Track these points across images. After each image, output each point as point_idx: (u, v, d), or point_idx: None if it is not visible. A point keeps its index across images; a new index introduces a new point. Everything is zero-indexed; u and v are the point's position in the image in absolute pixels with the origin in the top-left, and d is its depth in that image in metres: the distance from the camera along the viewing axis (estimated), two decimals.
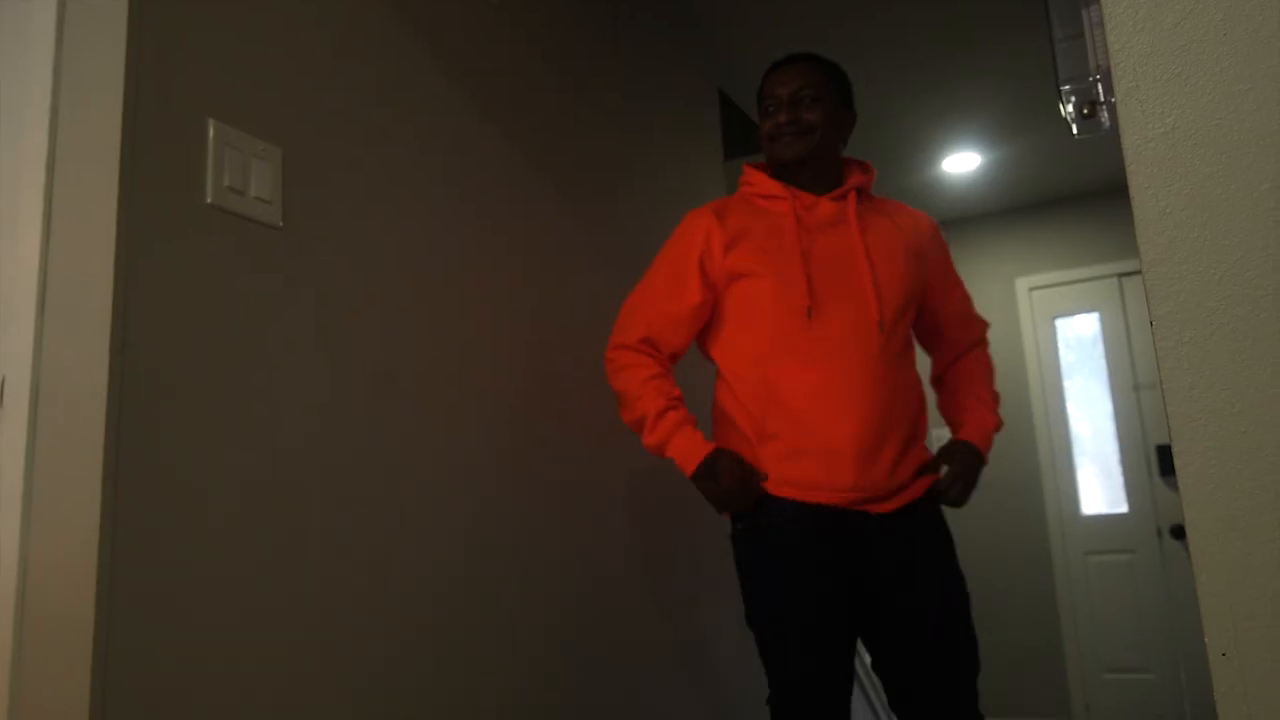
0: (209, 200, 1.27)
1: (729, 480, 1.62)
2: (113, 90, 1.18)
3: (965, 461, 1.71)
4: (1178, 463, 0.65)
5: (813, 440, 1.63)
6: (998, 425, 1.79)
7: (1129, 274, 4.45)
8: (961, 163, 4.13)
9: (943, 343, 1.89)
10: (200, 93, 1.28)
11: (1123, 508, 4.33)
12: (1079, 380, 4.54)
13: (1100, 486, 4.43)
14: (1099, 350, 4.47)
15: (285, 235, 1.39)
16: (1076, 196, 4.58)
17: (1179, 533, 4.14)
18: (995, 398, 1.84)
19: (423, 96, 1.72)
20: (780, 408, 1.66)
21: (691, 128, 2.92)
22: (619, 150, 2.43)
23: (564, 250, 2.11)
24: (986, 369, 1.89)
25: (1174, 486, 3.99)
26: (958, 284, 1.90)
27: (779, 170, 1.79)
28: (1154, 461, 4.24)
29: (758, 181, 1.79)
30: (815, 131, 1.73)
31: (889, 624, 1.63)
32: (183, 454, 1.19)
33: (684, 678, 2.30)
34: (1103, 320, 4.47)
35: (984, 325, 1.92)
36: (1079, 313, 4.55)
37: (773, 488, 1.65)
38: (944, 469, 1.72)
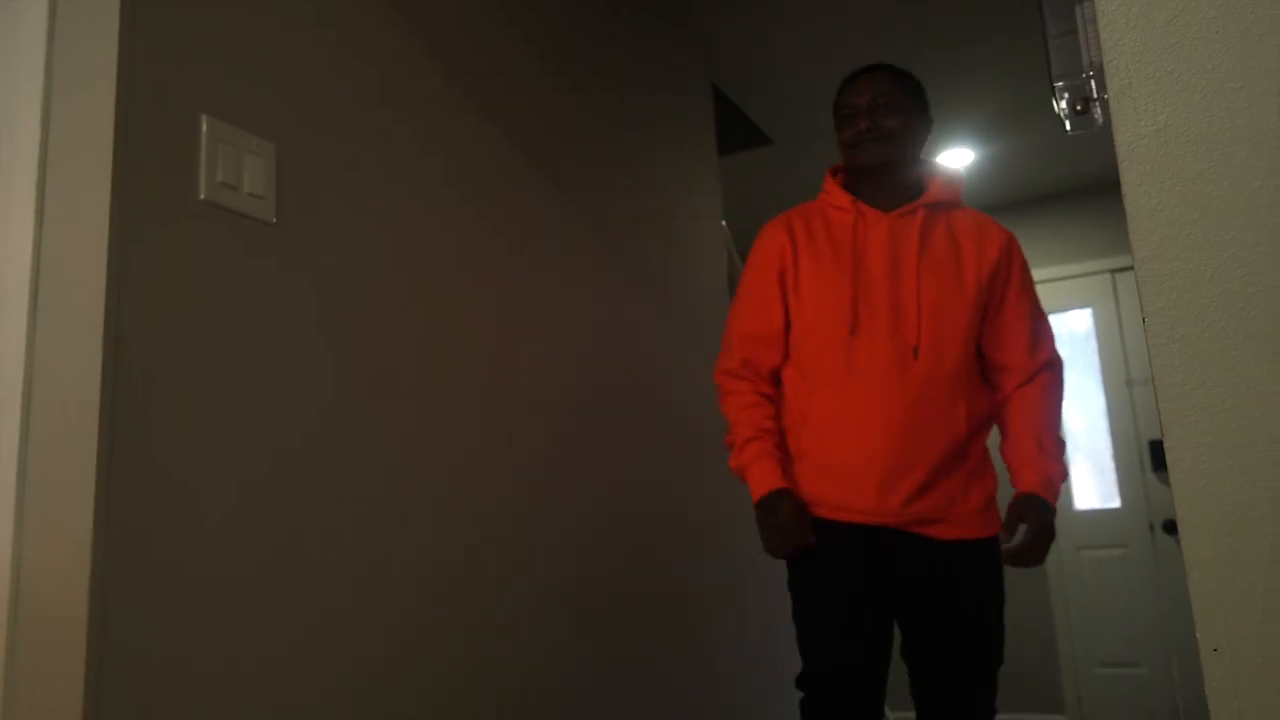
0: (202, 196, 1.27)
1: (782, 518, 1.63)
2: (105, 85, 1.17)
3: (1042, 521, 1.63)
4: (1170, 459, 0.65)
5: (834, 461, 1.66)
6: (1064, 475, 1.68)
7: (1122, 270, 4.46)
8: (955, 158, 4.13)
9: (1000, 372, 1.76)
10: (193, 88, 1.28)
11: (1115, 503, 4.35)
12: (1072, 375, 4.54)
13: (1093, 481, 4.44)
14: (1092, 346, 4.48)
15: (279, 231, 1.39)
16: (1070, 192, 4.59)
17: (1171, 527, 4.15)
18: (1060, 445, 1.71)
19: (419, 95, 1.71)
20: (811, 426, 1.69)
21: (687, 124, 2.92)
22: (616, 149, 2.43)
23: (563, 248, 2.11)
24: (1049, 404, 1.73)
25: (1166, 482, 4.00)
26: (1025, 308, 1.75)
27: (857, 180, 1.78)
28: (1146, 456, 4.25)
29: (831, 190, 1.79)
30: (895, 137, 1.72)
31: (920, 626, 1.68)
32: (177, 451, 1.19)
33: (683, 677, 2.31)
34: (1096, 316, 4.49)
35: (1051, 353, 1.76)
36: (1073, 308, 4.56)
37: (810, 507, 1.67)
38: (1020, 529, 1.65)
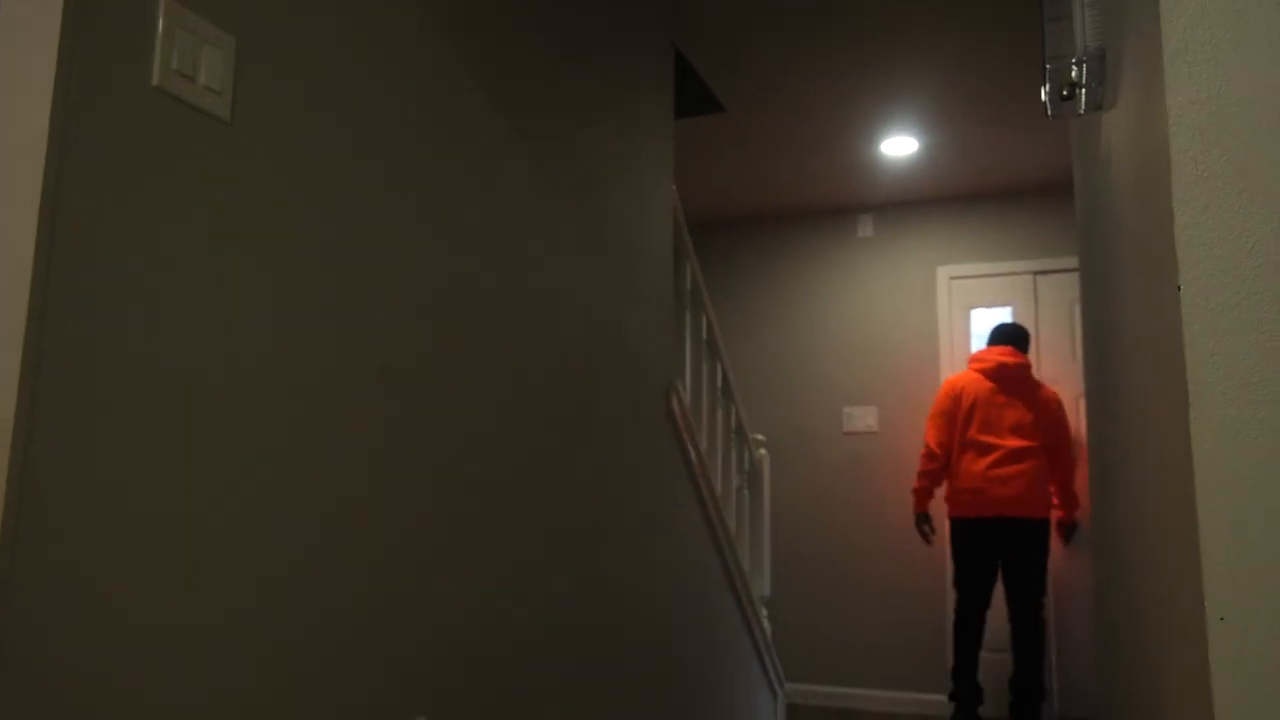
0: (155, 82, 1.17)
1: None
2: None
3: None
4: (1194, 429, 0.65)
5: None
6: None
7: (1045, 272, 4.59)
8: (899, 146, 4.18)
9: None
10: None
11: None
12: None
13: None
14: None
15: (233, 130, 1.30)
16: (1005, 193, 4.70)
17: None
18: None
19: (388, 15, 1.62)
20: None
21: (648, 83, 2.87)
22: (577, 100, 2.36)
23: (515, 187, 2.04)
24: None
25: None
26: None
27: None
28: None
29: None
30: None
31: None
32: (108, 356, 1.10)
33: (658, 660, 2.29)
34: (1015, 315, 4.62)
35: None
36: (994, 305, 4.68)
37: None
38: None
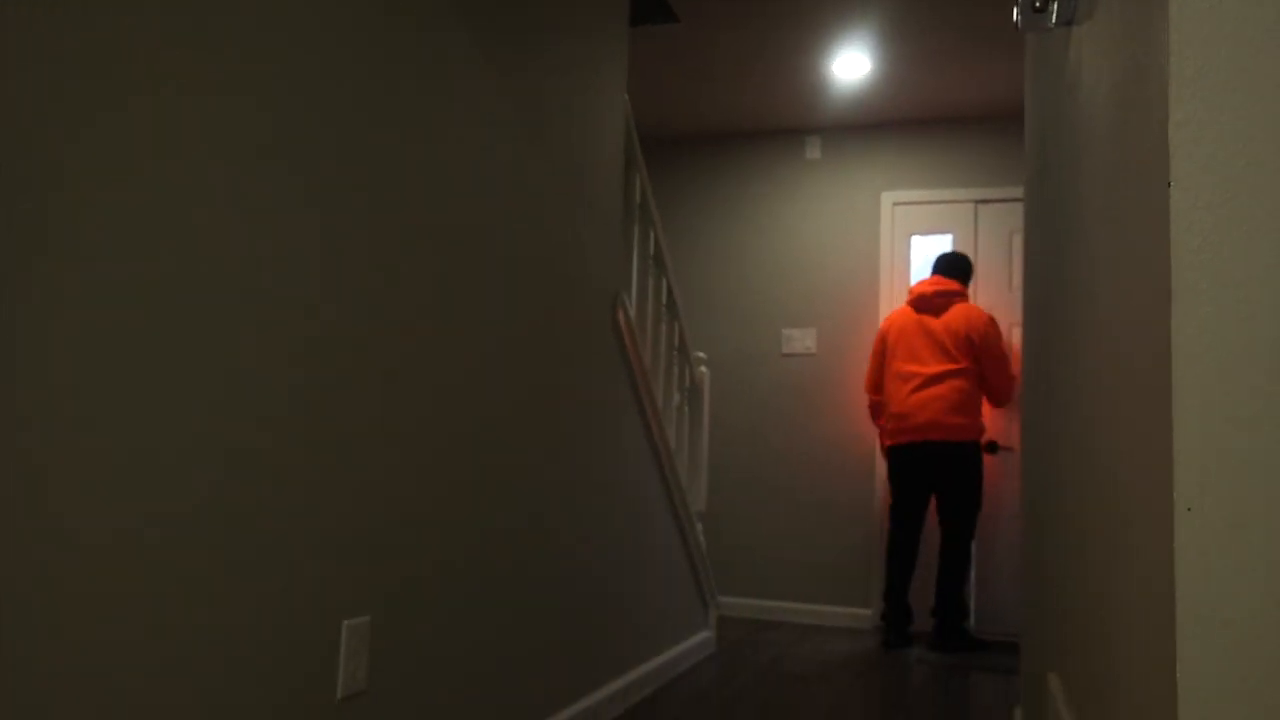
0: None
1: None
2: None
3: None
4: (1174, 325, 0.65)
5: None
6: None
7: (986, 201, 4.65)
8: (852, 65, 4.14)
9: None
10: None
11: None
12: None
13: None
14: None
15: None
16: (953, 119, 4.71)
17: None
18: None
19: None
20: None
21: None
22: (533, 4, 2.27)
23: (470, 93, 1.97)
24: None
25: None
26: None
27: None
28: None
29: None
30: None
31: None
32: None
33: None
34: (955, 243, 4.68)
35: None
36: (934, 233, 4.73)
37: None
38: None
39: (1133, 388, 0.81)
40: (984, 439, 4.38)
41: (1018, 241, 4.53)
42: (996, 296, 4.59)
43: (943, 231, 4.72)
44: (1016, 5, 1.43)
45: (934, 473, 4.05)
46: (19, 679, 1.03)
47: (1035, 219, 2.19)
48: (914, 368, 4.09)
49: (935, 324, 4.09)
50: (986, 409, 4.41)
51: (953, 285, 4.15)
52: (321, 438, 1.52)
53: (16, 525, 1.02)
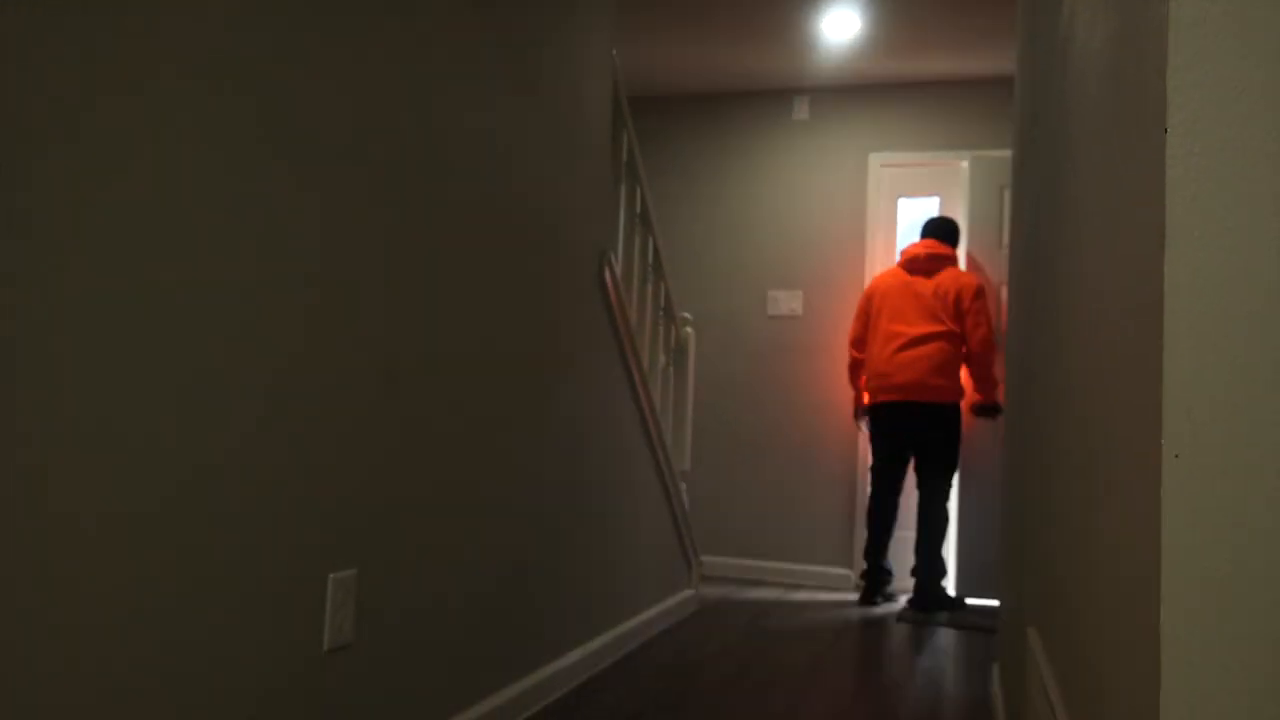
0: None
1: None
2: None
3: None
4: (1167, 269, 0.65)
5: None
6: None
7: (977, 157, 4.62)
8: (841, 23, 4.10)
9: None
10: None
11: None
12: None
13: None
14: None
15: None
16: (941, 81, 4.68)
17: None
18: None
19: None
20: None
21: None
22: None
23: (459, 44, 1.93)
24: None
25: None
26: None
27: None
28: None
29: None
30: None
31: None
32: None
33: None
34: (942, 206, 4.67)
35: None
36: (921, 195, 4.72)
37: None
38: None
39: (1122, 333, 0.81)
40: (964, 402, 4.40)
41: (1008, 198, 4.52)
42: (985, 256, 4.59)
43: (929, 194, 4.71)
44: None
45: (915, 431, 4.08)
46: (13, 631, 1.03)
47: (1024, 173, 2.18)
48: (899, 327, 4.11)
49: (926, 286, 4.11)
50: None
51: (945, 249, 4.17)
52: (306, 390, 1.51)
53: (9, 486, 1.01)
